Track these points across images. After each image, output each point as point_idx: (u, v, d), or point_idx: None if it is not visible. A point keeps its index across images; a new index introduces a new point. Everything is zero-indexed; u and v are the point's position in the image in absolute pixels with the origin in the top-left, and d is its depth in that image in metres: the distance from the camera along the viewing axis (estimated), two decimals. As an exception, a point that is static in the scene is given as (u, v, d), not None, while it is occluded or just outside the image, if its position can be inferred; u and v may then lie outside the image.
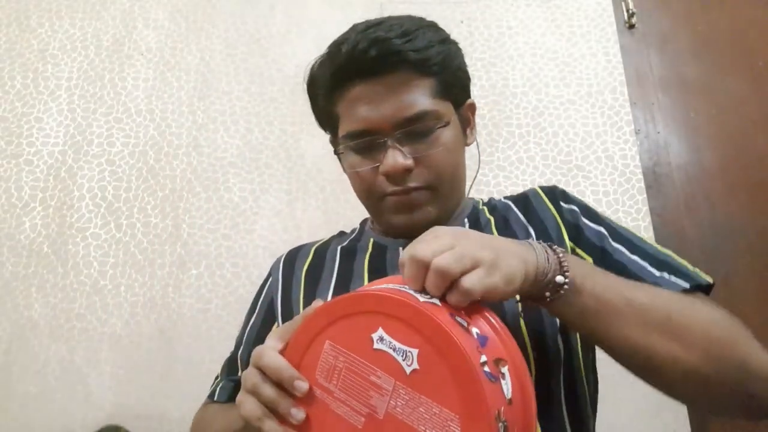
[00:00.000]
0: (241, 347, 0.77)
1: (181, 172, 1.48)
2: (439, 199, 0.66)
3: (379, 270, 0.69)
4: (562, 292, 0.49)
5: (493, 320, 0.46)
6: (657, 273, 0.61)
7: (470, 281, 0.43)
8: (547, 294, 0.49)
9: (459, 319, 0.42)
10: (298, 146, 1.50)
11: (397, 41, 0.62)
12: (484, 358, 0.41)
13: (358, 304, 0.44)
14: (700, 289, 0.60)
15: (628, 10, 1.60)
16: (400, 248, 0.70)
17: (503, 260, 0.45)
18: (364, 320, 0.43)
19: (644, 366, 0.52)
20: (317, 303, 0.49)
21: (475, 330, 0.43)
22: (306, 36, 1.60)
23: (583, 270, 0.51)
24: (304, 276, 0.75)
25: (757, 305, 1.36)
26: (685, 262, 0.63)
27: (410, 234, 0.68)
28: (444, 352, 0.40)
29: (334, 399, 0.44)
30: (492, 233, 0.68)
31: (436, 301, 0.43)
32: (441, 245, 0.44)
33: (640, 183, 1.42)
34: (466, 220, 0.71)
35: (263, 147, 1.51)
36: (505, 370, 0.43)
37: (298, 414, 0.46)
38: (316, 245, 0.80)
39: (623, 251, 0.64)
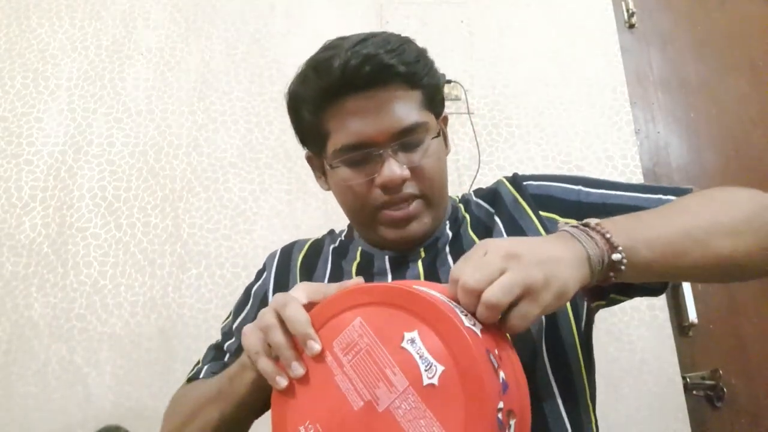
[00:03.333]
0: (231, 339, 0.77)
1: (181, 172, 1.49)
2: (432, 208, 0.68)
3: (366, 277, 0.70)
4: (623, 267, 0.49)
5: (517, 369, 0.46)
6: (654, 196, 0.65)
7: (518, 319, 0.44)
8: (612, 275, 0.50)
9: (492, 358, 0.42)
10: (298, 146, 1.49)
11: (387, 56, 0.63)
12: (501, 405, 0.41)
13: (407, 300, 0.43)
14: None
15: (628, 10, 1.60)
16: (386, 257, 0.72)
17: (556, 276, 0.45)
18: (405, 317, 0.43)
19: (720, 273, 0.56)
20: (359, 279, 0.50)
21: (502, 374, 0.43)
22: (306, 36, 1.60)
23: (625, 232, 0.51)
24: (300, 267, 0.77)
25: (756, 305, 1.36)
26: (658, 184, 0.68)
27: (401, 247, 0.70)
28: (469, 384, 0.40)
29: (342, 372, 0.44)
30: (467, 231, 0.71)
31: (478, 329, 0.43)
32: (491, 271, 0.44)
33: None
34: (447, 222, 0.74)
35: (263, 147, 1.51)
36: (512, 422, 0.43)
37: (297, 369, 0.46)
38: (311, 240, 0.82)
39: (610, 193, 0.67)
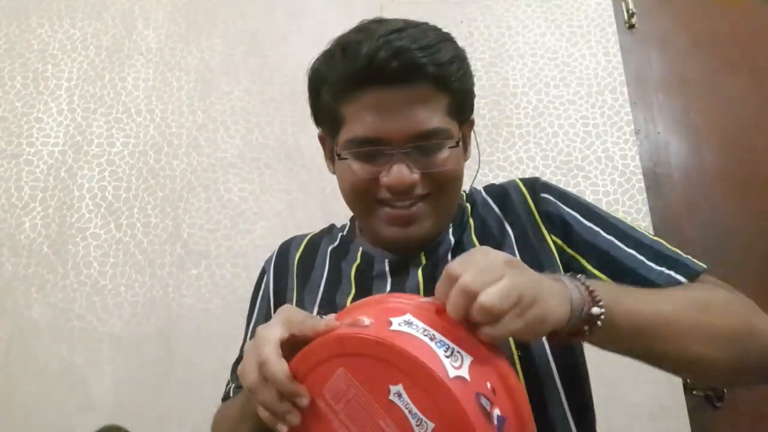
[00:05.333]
0: None
1: (181, 172, 1.48)
2: (436, 212, 0.65)
3: (365, 279, 0.69)
4: (599, 323, 0.49)
5: (513, 387, 0.45)
6: (656, 267, 0.62)
7: (500, 329, 0.43)
8: (586, 328, 0.49)
9: (484, 400, 0.41)
10: (298, 146, 1.50)
11: (420, 54, 0.60)
12: None
13: (384, 352, 0.41)
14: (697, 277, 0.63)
15: (628, 10, 1.60)
16: (386, 260, 0.69)
17: (544, 299, 0.45)
18: (387, 369, 0.41)
19: (683, 370, 0.59)
20: (331, 321, 0.47)
21: (496, 412, 0.42)
22: (306, 36, 1.60)
23: (610, 294, 0.51)
24: (297, 266, 0.75)
25: (757, 303, 1.35)
26: (676, 250, 0.65)
27: (400, 248, 0.68)
28: None
29: (338, 419, 0.44)
30: (471, 238, 0.69)
31: (465, 372, 0.41)
32: (492, 276, 0.43)
33: (640, 183, 1.42)
34: (451, 225, 0.71)
35: (263, 147, 1.51)
36: None
37: (291, 420, 0.45)
38: (309, 236, 0.80)
39: (617, 245, 0.64)
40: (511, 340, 0.58)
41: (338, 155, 0.66)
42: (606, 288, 0.52)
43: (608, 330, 0.50)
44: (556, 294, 0.47)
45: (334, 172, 0.71)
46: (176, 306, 1.37)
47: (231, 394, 0.75)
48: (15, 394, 1.31)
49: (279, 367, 0.45)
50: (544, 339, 0.60)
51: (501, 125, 1.50)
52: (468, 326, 0.45)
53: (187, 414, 1.28)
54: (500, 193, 0.73)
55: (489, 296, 0.42)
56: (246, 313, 0.82)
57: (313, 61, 0.68)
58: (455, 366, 0.41)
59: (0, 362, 1.33)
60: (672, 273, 0.62)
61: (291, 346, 0.47)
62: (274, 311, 0.73)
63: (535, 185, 0.71)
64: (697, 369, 0.56)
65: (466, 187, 0.79)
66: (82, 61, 1.59)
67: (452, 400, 0.39)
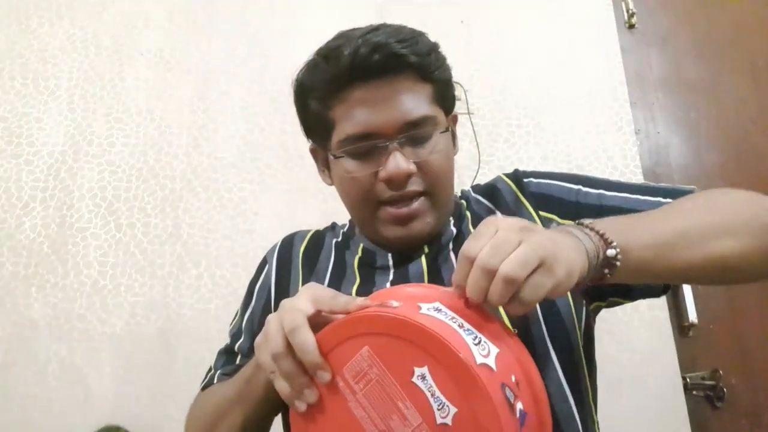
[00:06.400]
0: (241, 338, 0.77)
1: (181, 172, 1.48)
2: (436, 208, 0.67)
3: (368, 270, 0.71)
4: (618, 263, 0.48)
5: (535, 383, 0.45)
6: (653, 199, 0.64)
7: (532, 291, 0.42)
8: (606, 271, 0.49)
9: (508, 392, 0.41)
10: (298, 146, 1.49)
11: (399, 45, 0.62)
12: None
13: (415, 334, 0.41)
14: None
15: (628, 10, 1.60)
16: (389, 255, 0.70)
17: (564, 253, 0.44)
18: (413, 351, 0.41)
19: (716, 274, 0.56)
20: (364, 300, 0.47)
21: (519, 406, 0.41)
22: (306, 36, 1.59)
23: (618, 230, 0.50)
24: (302, 257, 0.76)
25: (756, 305, 1.36)
26: (662, 184, 0.67)
27: (402, 246, 0.69)
28: (484, 429, 0.39)
29: (355, 399, 0.43)
30: (469, 228, 0.70)
31: (492, 362, 0.41)
32: (509, 248, 0.42)
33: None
34: (451, 218, 0.73)
35: (263, 147, 1.51)
36: None
37: (309, 396, 0.45)
38: (312, 232, 0.82)
39: (606, 194, 0.66)
40: (506, 319, 0.58)
41: (333, 156, 0.67)
42: (613, 225, 0.51)
43: (629, 265, 0.49)
44: (571, 247, 0.47)
45: (330, 184, 0.73)
46: (176, 306, 1.37)
47: (217, 378, 0.74)
48: (15, 394, 1.31)
49: (309, 335, 0.45)
50: (541, 318, 0.61)
51: (501, 125, 1.50)
52: (497, 319, 0.45)
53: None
54: (488, 188, 0.76)
55: (509, 265, 0.41)
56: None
57: (295, 74, 0.70)
58: (483, 354, 0.41)
59: (0, 362, 1.33)
60: (669, 200, 0.63)
61: (313, 324, 0.46)
62: (275, 302, 0.74)
63: (517, 174, 0.74)
64: (731, 266, 0.54)
65: (466, 187, 0.80)
66: (82, 61, 1.59)
67: (478, 386, 0.39)
